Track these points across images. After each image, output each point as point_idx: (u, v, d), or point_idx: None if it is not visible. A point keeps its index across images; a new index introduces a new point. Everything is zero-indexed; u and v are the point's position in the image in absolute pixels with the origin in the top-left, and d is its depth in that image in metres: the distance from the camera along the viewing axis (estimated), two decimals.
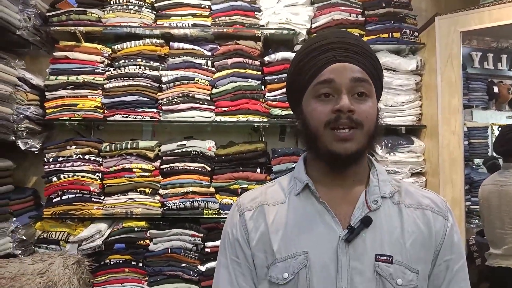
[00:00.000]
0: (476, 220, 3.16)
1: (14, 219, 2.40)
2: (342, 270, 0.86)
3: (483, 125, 3.83)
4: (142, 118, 2.51)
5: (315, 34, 0.94)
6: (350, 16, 2.61)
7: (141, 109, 2.51)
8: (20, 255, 2.36)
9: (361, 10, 2.64)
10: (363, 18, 2.64)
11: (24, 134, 2.40)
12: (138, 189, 2.50)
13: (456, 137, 2.28)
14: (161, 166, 2.53)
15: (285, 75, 2.54)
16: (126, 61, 2.55)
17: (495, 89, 4.08)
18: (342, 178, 0.92)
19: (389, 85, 2.56)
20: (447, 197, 2.30)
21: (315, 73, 0.88)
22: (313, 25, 2.61)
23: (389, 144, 2.53)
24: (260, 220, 0.94)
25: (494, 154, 3.24)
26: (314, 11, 2.62)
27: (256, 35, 2.61)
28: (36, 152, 2.48)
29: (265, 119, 2.58)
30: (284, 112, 2.55)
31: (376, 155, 2.59)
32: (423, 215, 0.92)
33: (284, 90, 2.54)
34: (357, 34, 2.59)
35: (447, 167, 2.31)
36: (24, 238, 2.41)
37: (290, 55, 2.57)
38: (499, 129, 4.13)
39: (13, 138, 2.36)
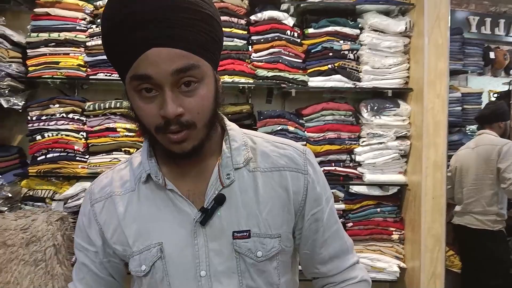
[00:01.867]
0: None
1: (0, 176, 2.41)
2: (200, 254, 0.84)
3: (477, 91, 3.82)
4: None
5: None
6: None
7: None
8: (5, 212, 2.39)
9: None
10: None
11: (7, 92, 2.38)
12: (123, 149, 2.51)
13: (440, 100, 2.26)
14: None
15: (272, 34, 2.53)
16: None
17: (492, 55, 4.04)
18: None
19: (376, 47, 2.52)
20: (430, 160, 2.31)
21: (127, 63, 0.71)
22: None
23: (375, 107, 2.51)
24: (111, 213, 0.89)
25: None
26: None
27: None
28: (20, 111, 2.47)
29: (251, 80, 2.54)
30: (270, 74, 2.51)
31: (361, 118, 2.58)
32: (280, 177, 0.88)
33: (271, 50, 2.52)
34: None
35: (430, 131, 2.30)
36: (10, 195, 2.43)
37: (278, 14, 2.52)
38: (494, 95, 4.16)
39: None
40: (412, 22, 2.49)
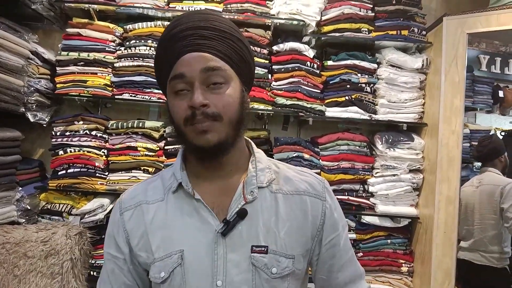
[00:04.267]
0: None
1: (20, 188, 2.43)
2: (218, 264, 0.88)
3: (486, 129, 3.87)
4: (150, 99, 2.55)
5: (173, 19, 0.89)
6: (360, 11, 2.64)
7: (149, 90, 2.55)
8: (23, 224, 2.42)
9: (371, 6, 2.67)
10: (373, 14, 2.67)
11: (34, 106, 2.45)
12: (142, 168, 2.55)
13: (455, 136, 2.32)
14: (165, 147, 2.58)
15: (293, 65, 2.61)
16: (137, 41, 2.59)
17: (501, 93, 4.11)
18: (219, 169, 0.93)
19: (393, 82, 2.60)
20: (442, 194, 2.36)
21: (169, 68, 0.87)
22: (323, 18, 2.64)
23: (390, 140, 2.58)
24: (139, 220, 0.95)
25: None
26: (325, 4, 2.65)
27: (266, 24, 2.64)
28: (44, 125, 2.54)
29: (270, 108, 2.62)
30: (289, 102, 2.59)
31: (375, 149, 2.64)
32: (300, 201, 0.95)
33: (291, 80, 2.60)
34: (366, 30, 2.63)
35: (444, 165, 2.36)
36: (29, 208, 2.45)
37: (299, 45, 2.61)
38: (502, 133, 4.22)
39: (23, 110, 2.39)
40: (429, 59, 2.58)
